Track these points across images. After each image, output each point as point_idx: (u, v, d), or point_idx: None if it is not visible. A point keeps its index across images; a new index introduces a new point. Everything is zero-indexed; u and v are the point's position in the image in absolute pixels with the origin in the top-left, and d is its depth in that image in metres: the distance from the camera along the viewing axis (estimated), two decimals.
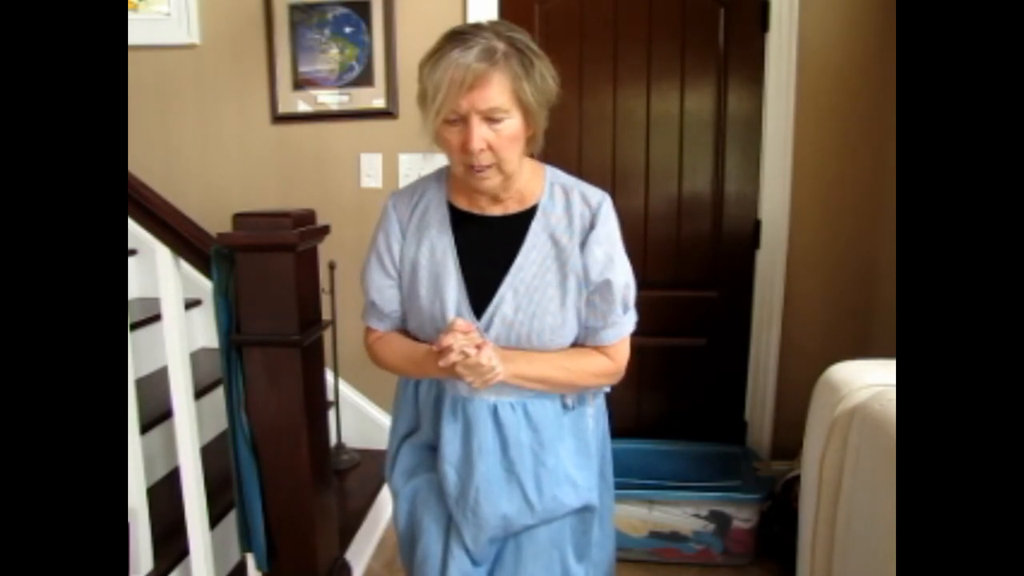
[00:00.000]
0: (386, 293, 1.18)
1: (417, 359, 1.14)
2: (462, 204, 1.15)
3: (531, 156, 1.15)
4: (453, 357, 0.99)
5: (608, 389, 1.25)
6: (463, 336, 1.01)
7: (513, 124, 1.01)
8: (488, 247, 1.12)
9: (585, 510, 1.19)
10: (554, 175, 1.16)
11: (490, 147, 1.01)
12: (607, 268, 1.10)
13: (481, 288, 1.10)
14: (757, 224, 2.34)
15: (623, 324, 1.14)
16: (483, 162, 1.01)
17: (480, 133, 0.99)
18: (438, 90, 0.97)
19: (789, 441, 2.25)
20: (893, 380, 1.27)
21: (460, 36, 0.99)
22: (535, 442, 1.14)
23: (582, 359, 1.13)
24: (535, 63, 1.01)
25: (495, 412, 1.12)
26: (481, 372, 1.01)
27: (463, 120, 0.99)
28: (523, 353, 1.09)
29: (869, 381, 1.30)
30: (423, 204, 1.16)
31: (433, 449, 1.20)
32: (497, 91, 0.98)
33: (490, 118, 0.99)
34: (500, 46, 0.98)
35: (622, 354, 1.16)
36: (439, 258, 1.12)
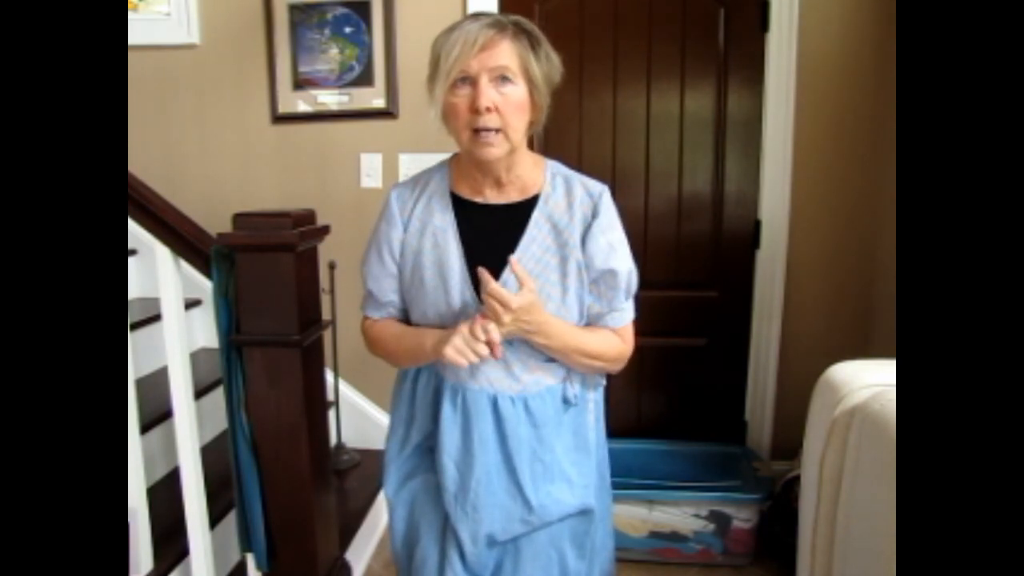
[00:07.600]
0: (383, 283, 1.20)
1: (412, 332, 1.16)
2: (465, 193, 1.17)
3: (531, 148, 1.17)
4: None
5: (604, 382, 1.26)
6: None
7: (519, 91, 1.05)
8: (491, 234, 1.14)
9: (583, 512, 1.19)
10: (555, 167, 1.19)
11: (497, 110, 1.04)
12: (611, 256, 1.12)
13: None
14: (757, 224, 2.34)
15: (628, 310, 1.18)
16: (490, 124, 1.04)
17: (488, 93, 1.03)
18: (450, 54, 1.02)
19: (789, 441, 2.25)
20: (893, 380, 1.27)
21: (472, 15, 1.08)
22: (534, 438, 1.15)
23: (602, 335, 1.16)
24: (541, 43, 1.08)
25: (495, 404, 1.13)
26: (504, 299, 1.01)
27: (472, 84, 1.03)
28: (549, 316, 1.10)
29: (869, 381, 1.30)
30: (427, 194, 1.18)
31: (430, 450, 1.20)
32: (507, 53, 1.04)
33: (500, 77, 1.03)
34: (510, 26, 1.06)
35: (630, 337, 1.20)
36: (442, 245, 1.14)
